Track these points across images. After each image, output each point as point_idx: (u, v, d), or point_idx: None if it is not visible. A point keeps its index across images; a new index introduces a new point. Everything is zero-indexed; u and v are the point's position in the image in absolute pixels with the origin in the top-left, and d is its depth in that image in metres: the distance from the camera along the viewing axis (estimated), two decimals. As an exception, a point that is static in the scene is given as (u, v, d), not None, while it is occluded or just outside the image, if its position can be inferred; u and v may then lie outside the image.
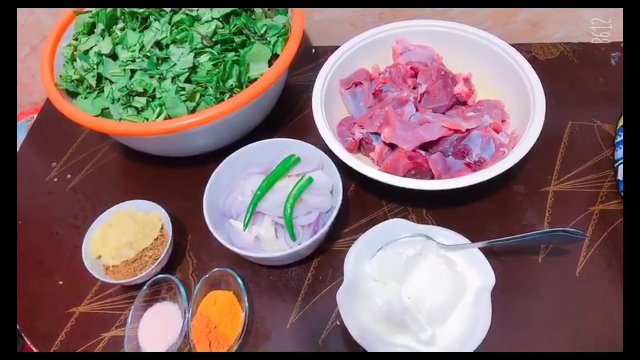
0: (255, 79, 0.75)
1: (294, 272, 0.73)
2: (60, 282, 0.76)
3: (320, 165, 0.74)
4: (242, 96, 0.71)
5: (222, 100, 0.74)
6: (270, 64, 0.77)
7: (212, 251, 0.76)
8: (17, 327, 0.72)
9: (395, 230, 0.68)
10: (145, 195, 0.78)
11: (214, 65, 0.74)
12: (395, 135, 0.74)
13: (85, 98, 0.76)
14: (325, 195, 0.72)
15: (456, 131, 0.73)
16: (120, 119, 0.74)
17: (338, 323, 0.68)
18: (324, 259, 0.74)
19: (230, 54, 0.75)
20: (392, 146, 0.76)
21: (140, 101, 0.73)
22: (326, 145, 0.74)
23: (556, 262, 0.70)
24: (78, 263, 0.72)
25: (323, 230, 0.67)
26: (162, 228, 0.74)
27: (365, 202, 0.79)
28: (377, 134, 0.77)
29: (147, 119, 0.73)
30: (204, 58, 0.74)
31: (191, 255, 0.77)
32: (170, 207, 0.79)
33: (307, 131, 0.86)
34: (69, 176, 0.88)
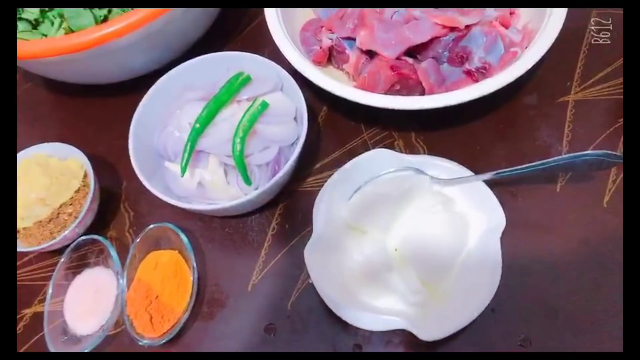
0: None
1: (254, 221, 0.59)
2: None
3: (279, 85, 0.58)
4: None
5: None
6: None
7: (153, 201, 0.60)
8: None
9: (377, 163, 0.54)
10: (65, 137, 0.62)
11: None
12: (374, 39, 0.56)
13: None
14: (287, 124, 0.56)
15: (452, 29, 0.55)
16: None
17: (310, 281, 0.55)
18: (291, 203, 0.59)
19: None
20: (371, 54, 0.59)
21: (32, 12, 0.55)
22: (285, 57, 0.57)
23: (579, 191, 0.56)
24: None
25: (285, 170, 0.51)
26: (84, 176, 0.59)
27: (339, 129, 0.63)
28: (352, 39, 0.60)
29: (45, 35, 0.55)
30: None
31: (127, 207, 0.62)
32: (97, 148, 0.63)
33: (262, 43, 0.68)
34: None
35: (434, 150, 0.60)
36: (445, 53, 0.57)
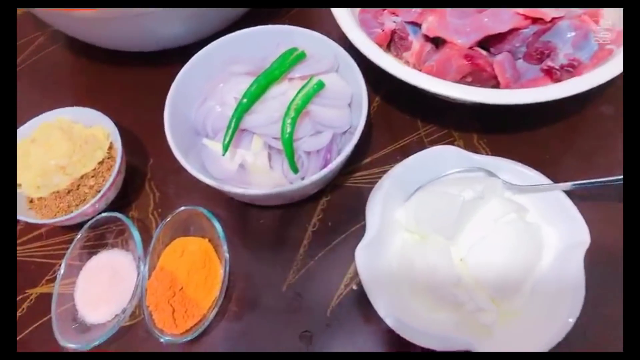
0: None
1: (293, 214, 0.53)
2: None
3: (335, 66, 0.52)
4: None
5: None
6: None
7: (182, 182, 0.55)
8: None
9: (442, 162, 0.48)
10: (89, 102, 0.56)
11: None
12: (446, 26, 0.51)
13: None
14: (342, 109, 0.51)
15: (535, 21, 0.50)
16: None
17: (355, 287, 0.49)
18: (335, 199, 0.54)
19: None
20: (438, 43, 0.54)
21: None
22: (344, 36, 0.51)
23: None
24: None
25: (339, 160, 0.46)
26: (110, 148, 0.53)
27: (393, 123, 0.57)
28: (417, 24, 0.54)
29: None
30: None
31: (152, 186, 0.56)
32: (125, 120, 0.57)
33: (315, 20, 0.62)
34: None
35: (497, 153, 0.54)
36: (522, 48, 0.51)
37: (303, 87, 0.48)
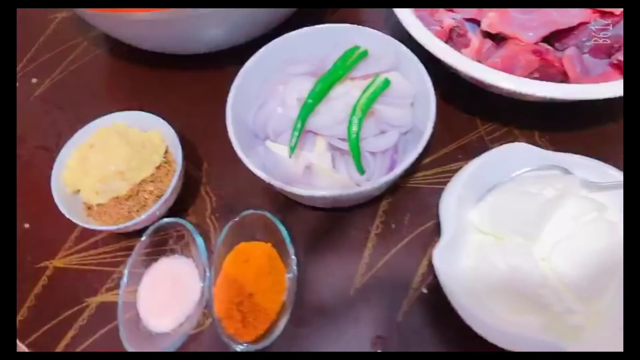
0: None
1: (354, 217, 0.52)
2: (26, 225, 0.54)
3: (396, 64, 0.51)
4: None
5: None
6: None
7: (238, 185, 0.54)
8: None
9: (514, 160, 0.46)
10: (138, 107, 0.55)
11: None
12: (510, 21, 0.50)
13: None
14: (405, 108, 0.50)
15: (603, 14, 0.49)
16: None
17: (425, 291, 0.47)
18: (396, 200, 0.52)
19: None
20: (498, 39, 0.53)
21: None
22: (404, 31, 0.50)
23: None
24: (51, 199, 0.50)
25: (411, 159, 0.44)
26: (166, 152, 0.52)
27: (452, 121, 0.56)
28: (475, 21, 0.53)
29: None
30: None
31: (208, 191, 0.55)
32: (176, 124, 0.56)
33: (363, 18, 0.61)
34: (34, 80, 0.64)
35: (561, 150, 0.52)
36: (588, 42, 0.50)
37: (369, 86, 0.47)
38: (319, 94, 0.47)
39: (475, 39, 0.53)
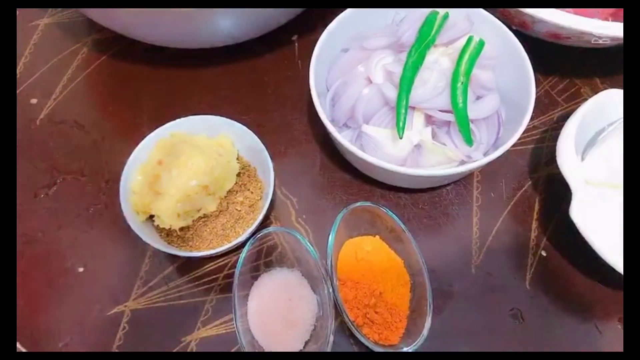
0: None
1: (450, 193, 0.49)
2: (80, 270, 0.46)
3: (470, 26, 0.48)
4: None
5: None
6: None
7: (315, 182, 0.49)
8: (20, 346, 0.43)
9: (611, 107, 0.46)
10: (182, 109, 0.48)
11: None
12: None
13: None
14: (492, 69, 0.47)
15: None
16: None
17: (544, 254, 0.46)
18: (487, 169, 0.50)
19: None
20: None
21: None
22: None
23: None
24: (106, 234, 0.43)
25: (524, 124, 0.42)
26: (237, 156, 0.46)
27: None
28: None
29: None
30: None
31: (285, 192, 0.49)
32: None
33: None
34: (34, 101, 0.54)
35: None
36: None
37: (464, 51, 0.44)
38: (414, 65, 0.43)
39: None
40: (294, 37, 0.57)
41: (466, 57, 0.43)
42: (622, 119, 0.45)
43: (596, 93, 0.53)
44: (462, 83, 0.43)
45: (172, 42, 0.51)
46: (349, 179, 0.49)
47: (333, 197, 0.48)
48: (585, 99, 0.53)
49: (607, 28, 0.44)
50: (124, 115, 0.52)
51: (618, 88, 0.54)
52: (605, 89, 0.54)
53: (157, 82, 0.54)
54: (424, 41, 0.44)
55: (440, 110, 0.44)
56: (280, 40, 0.56)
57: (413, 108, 0.44)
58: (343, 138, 0.41)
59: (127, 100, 0.53)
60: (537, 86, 0.54)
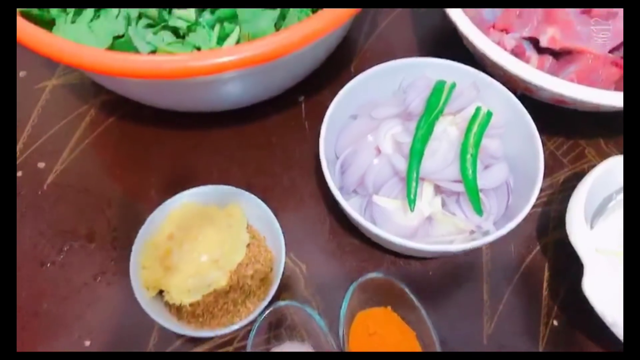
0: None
1: (460, 258, 0.49)
2: (87, 343, 0.45)
3: (478, 94, 0.49)
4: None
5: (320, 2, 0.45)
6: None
7: (325, 249, 0.49)
8: None
9: (616, 176, 0.46)
10: (191, 176, 0.49)
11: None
12: (575, 35, 0.50)
13: (74, 22, 0.42)
14: (500, 138, 0.48)
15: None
16: (153, 52, 0.42)
17: (555, 323, 0.46)
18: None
19: None
20: (556, 55, 0.53)
21: (183, 16, 0.42)
22: (475, 53, 0.49)
23: None
24: (106, 304, 0.42)
25: (536, 192, 0.42)
26: (247, 225, 0.46)
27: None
28: (531, 39, 0.53)
29: (200, 49, 0.42)
30: None
31: (294, 259, 0.49)
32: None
33: (389, 57, 0.59)
34: (41, 165, 0.54)
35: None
36: None
37: (472, 121, 0.44)
38: (424, 137, 0.43)
39: (534, 56, 0.53)
40: (301, 98, 0.58)
41: (475, 128, 0.44)
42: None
43: (601, 154, 0.55)
44: (471, 155, 0.43)
45: (180, 107, 0.52)
46: (358, 244, 0.49)
47: (343, 263, 0.48)
48: (590, 160, 0.54)
49: (611, 99, 0.45)
50: (133, 179, 0.52)
51: (622, 147, 0.55)
52: (610, 149, 0.55)
53: (166, 144, 0.54)
54: (432, 112, 0.44)
55: (450, 181, 0.44)
56: (287, 101, 0.56)
57: (423, 179, 0.44)
58: (352, 209, 0.41)
59: (136, 164, 0.53)
60: (542, 146, 0.55)
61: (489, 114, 0.45)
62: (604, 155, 0.54)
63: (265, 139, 0.55)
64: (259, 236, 0.46)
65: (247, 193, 0.45)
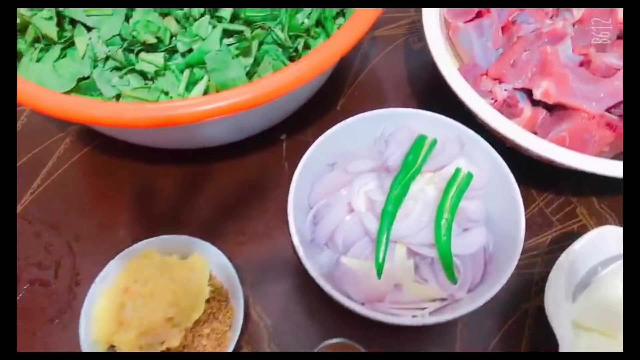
0: (342, 12, 0.44)
1: (434, 329, 0.46)
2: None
3: (461, 150, 0.46)
4: (337, 43, 0.40)
5: (295, 51, 0.43)
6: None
7: (291, 305, 0.47)
8: None
9: (605, 245, 0.43)
10: (156, 221, 0.47)
11: (278, -12, 0.42)
12: (570, 92, 0.47)
13: (39, 61, 0.41)
14: (480, 199, 0.45)
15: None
16: (117, 96, 0.40)
17: (530, 399, 0.43)
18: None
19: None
20: (550, 108, 0.50)
21: (152, 61, 0.40)
22: (462, 108, 0.46)
23: None
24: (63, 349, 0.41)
25: (513, 263, 0.40)
26: (210, 277, 0.44)
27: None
28: (525, 90, 0.50)
29: (167, 94, 0.40)
30: (260, -24, 0.41)
31: (259, 312, 0.47)
32: (208, 236, 0.48)
33: (378, 98, 0.57)
34: (11, 194, 0.52)
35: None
36: None
37: (451, 183, 0.42)
38: (397, 198, 0.41)
39: (527, 108, 0.50)
40: (283, 137, 0.55)
41: (453, 190, 0.41)
42: (620, 261, 0.43)
43: (593, 213, 0.52)
44: (446, 220, 0.41)
45: (154, 145, 0.50)
46: (327, 302, 0.47)
47: (312, 322, 0.46)
48: (581, 220, 0.52)
49: (598, 167, 0.42)
50: (103, 215, 0.51)
51: (615, 208, 0.52)
52: (603, 209, 0.52)
53: (140, 179, 0.53)
54: (409, 171, 0.42)
55: (423, 245, 0.41)
56: (267, 139, 0.54)
57: (395, 241, 0.42)
58: (323, 263, 0.40)
59: (107, 198, 0.52)
60: (530, 203, 0.52)
61: (469, 176, 0.42)
62: (596, 215, 0.52)
63: (242, 178, 0.53)
64: (222, 290, 0.44)
65: (212, 247, 0.43)
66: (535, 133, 0.51)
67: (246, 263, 0.48)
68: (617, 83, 0.46)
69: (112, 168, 0.54)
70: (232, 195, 0.52)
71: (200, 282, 0.42)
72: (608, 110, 0.47)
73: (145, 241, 0.43)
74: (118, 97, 0.40)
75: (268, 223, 0.51)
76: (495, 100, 0.50)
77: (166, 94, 0.40)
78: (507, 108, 0.51)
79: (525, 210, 0.51)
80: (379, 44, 0.63)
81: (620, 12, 0.53)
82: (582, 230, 0.50)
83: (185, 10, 0.40)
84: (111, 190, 0.52)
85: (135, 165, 0.53)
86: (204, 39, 0.39)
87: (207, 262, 0.44)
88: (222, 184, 0.53)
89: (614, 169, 0.43)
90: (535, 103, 0.50)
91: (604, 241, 0.43)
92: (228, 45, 0.40)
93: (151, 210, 0.51)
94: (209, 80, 0.39)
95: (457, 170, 0.42)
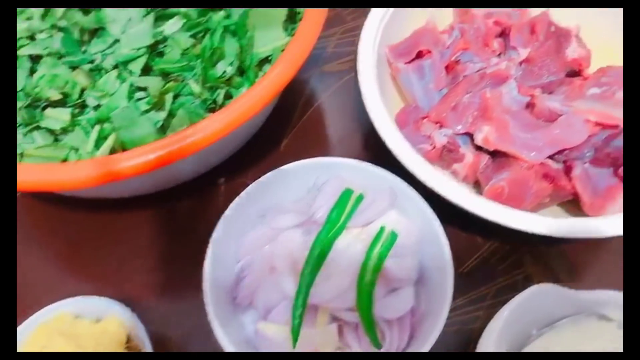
0: (267, 58, 0.42)
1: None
2: None
3: (393, 203, 0.44)
4: (259, 92, 0.38)
5: (213, 102, 0.41)
6: (286, 27, 0.44)
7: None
8: None
9: (541, 306, 0.41)
10: (78, 272, 0.45)
11: (193, 38, 0.40)
12: (510, 140, 0.45)
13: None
14: (413, 255, 0.43)
15: (606, 127, 0.45)
16: (20, 155, 0.38)
17: None
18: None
19: (219, 16, 0.41)
20: (493, 154, 0.48)
21: (58, 117, 0.38)
22: (391, 161, 0.44)
23: None
24: None
25: (437, 331, 0.37)
26: (128, 341, 0.41)
27: (450, 244, 0.50)
28: (467, 134, 0.48)
29: (77, 151, 0.39)
30: (173, 26, 0.39)
31: (184, 371, 0.45)
32: (124, 288, 0.46)
33: (322, 140, 0.55)
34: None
35: (576, 269, 0.49)
36: (589, 153, 0.46)
37: (374, 242, 0.40)
38: (318, 260, 0.39)
39: (469, 153, 0.48)
40: (221, 181, 0.54)
41: (375, 251, 0.39)
42: (556, 323, 0.41)
43: (539, 261, 0.50)
44: (368, 282, 0.38)
45: (81, 193, 0.48)
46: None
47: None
48: (526, 271, 0.50)
49: (531, 225, 0.40)
50: (32, 261, 0.49)
51: (564, 255, 0.50)
52: (551, 256, 0.50)
53: (72, 226, 0.51)
54: (332, 228, 0.40)
55: (346, 309, 0.39)
56: (204, 183, 0.52)
57: (317, 305, 0.40)
58: (246, 324, 0.38)
59: (36, 245, 0.50)
60: (474, 252, 0.50)
61: (394, 236, 0.40)
62: (542, 264, 0.49)
63: (177, 226, 0.51)
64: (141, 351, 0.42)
65: (127, 310, 0.41)
66: (477, 180, 0.49)
67: (174, 330, 0.46)
68: (557, 131, 0.44)
69: (45, 213, 0.52)
70: (162, 250, 0.50)
71: (112, 346, 0.40)
72: (551, 157, 0.45)
73: (57, 303, 0.41)
74: (21, 155, 0.38)
75: (200, 283, 0.49)
76: (434, 147, 0.47)
77: (76, 150, 0.38)
78: (448, 153, 0.49)
79: (468, 260, 0.50)
80: (328, 79, 0.61)
81: (569, 51, 0.51)
82: (527, 282, 0.48)
83: (96, 63, 0.39)
84: (42, 236, 0.51)
85: (68, 212, 0.51)
86: (111, 95, 0.38)
87: (122, 323, 0.41)
88: (156, 231, 0.51)
89: (543, 226, 0.41)
90: (478, 147, 0.48)
91: (538, 302, 0.41)
92: (139, 99, 0.38)
93: (78, 260, 0.49)
94: (116, 138, 0.37)
95: (382, 229, 0.40)
